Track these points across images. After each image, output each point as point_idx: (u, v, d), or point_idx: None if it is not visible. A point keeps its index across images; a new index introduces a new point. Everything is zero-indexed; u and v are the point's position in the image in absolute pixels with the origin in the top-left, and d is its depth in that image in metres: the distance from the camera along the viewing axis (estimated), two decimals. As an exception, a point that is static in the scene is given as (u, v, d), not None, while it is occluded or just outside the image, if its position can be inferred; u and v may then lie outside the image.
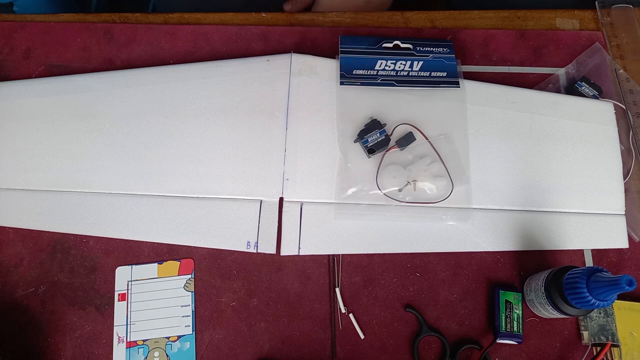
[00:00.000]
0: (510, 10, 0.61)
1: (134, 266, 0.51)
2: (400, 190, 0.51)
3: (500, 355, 0.48)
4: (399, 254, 0.51)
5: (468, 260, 0.51)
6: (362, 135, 0.52)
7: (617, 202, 0.52)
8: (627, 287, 0.37)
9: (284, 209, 0.52)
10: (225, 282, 0.51)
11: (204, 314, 0.50)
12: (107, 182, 0.53)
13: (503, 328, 0.48)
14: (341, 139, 0.53)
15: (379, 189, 0.51)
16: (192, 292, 0.51)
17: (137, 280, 0.51)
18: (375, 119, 0.53)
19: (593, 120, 0.54)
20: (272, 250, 0.51)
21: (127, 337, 0.49)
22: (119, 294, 0.51)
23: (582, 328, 0.48)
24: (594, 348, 0.47)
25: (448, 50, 0.56)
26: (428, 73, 0.55)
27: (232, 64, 0.56)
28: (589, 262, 0.51)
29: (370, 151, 0.52)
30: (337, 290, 0.50)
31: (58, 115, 0.55)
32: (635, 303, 0.49)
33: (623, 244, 0.51)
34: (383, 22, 0.61)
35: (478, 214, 0.51)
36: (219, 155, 0.53)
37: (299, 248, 0.51)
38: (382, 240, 0.51)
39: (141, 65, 0.58)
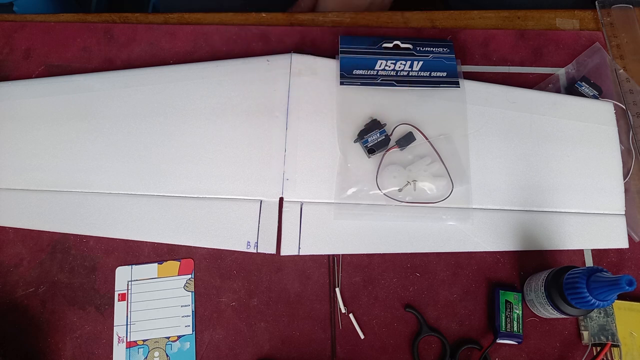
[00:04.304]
0: (510, 10, 0.61)
1: (134, 266, 0.51)
2: (400, 190, 0.51)
3: (500, 355, 0.48)
4: (399, 254, 0.51)
5: (468, 260, 0.51)
6: (362, 135, 0.52)
7: (617, 202, 0.52)
8: (627, 287, 0.37)
9: (284, 209, 0.52)
10: (225, 282, 0.51)
11: (204, 314, 0.50)
12: (107, 182, 0.53)
13: (503, 328, 0.48)
14: (341, 139, 0.53)
15: (379, 189, 0.51)
16: (192, 292, 0.51)
17: (137, 280, 0.51)
18: (375, 119, 0.53)
19: (593, 120, 0.54)
20: (272, 250, 0.51)
21: (127, 337, 0.49)
22: (119, 294, 0.51)
23: (582, 328, 0.48)
24: (594, 348, 0.47)
25: (448, 50, 0.56)
26: (428, 73, 0.55)
27: (232, 64, 0.56)
28: (589, 262, 0.51)
29: (370, 151, 0.52)
30: (337, 290, 0.50)
31: (58, 115, 0.55)
32: (635, 303, 0.49)
33: (623, 244, 0.51)
34: (383, 22, 0.61)
35: (478, 214, 0.51)
36: (219, 155, 0.53)
37: (299, 248, 0.51)
38: (382, 240, 0.51)
39: (141, 65, 0.58)
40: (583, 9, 0.61)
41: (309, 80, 0.55)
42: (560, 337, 0.49)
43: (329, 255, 0.51)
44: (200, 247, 0.52)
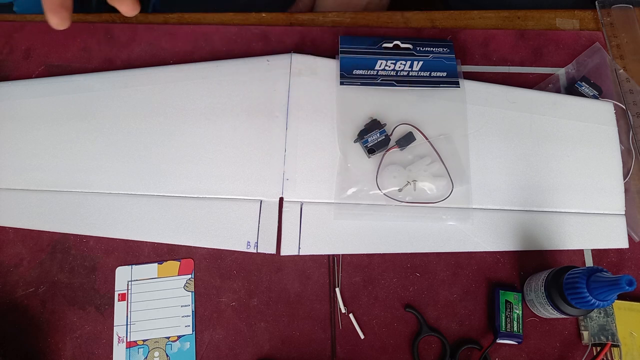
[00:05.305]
0: (510, 10, 0.61)
1: (134, 266, 0.51)
2: (400, 190, 0.51)
3: (500, 355, 0.48)
4: (399, 254, 0.51)
5: (468, 260, 0.51)
6: (362, 135, 0.52)
7: (617, 202, 0.52)
8: (627, 287, 0.37)
9: (284, 209, 0.52)
10: (225, 282, 0.51)
11: (204, 314, 0.50)
12: (107, 182, 0.53)
13: (503, 328, 0.48)
14: (341, 139, 0.53)
15: (379, 189, 0.51)
16: (192, 292, 0.51)
17: (137, 280, 0.51)
18: (375, 119, 0.53)
19: (593, 120, 0.54)
20: (272, 250, 0.51)
21: (127, 337, 0.49)
22: (119, 294, 0.51)
23: (582, 328, 0.48)
24: (594, 348, 0.47)
25: (448, 50, 0.56)
26: (428, 73, 0.55)
27: (232, 64, 0.56)
28: (589, 262, 0.51)
29: (370, 151, 0.52)
30: (337, 290, 0.50)
31: (58, 115, 0.55)
32: (635, 303, 0.49)
33: (623, 244, 0.51)
34: (383, 22, 0.61)
35: (478, 214, 0.51)
36: (219, 155, 0.53)
37: (299, 248, 0.51)
38: (382, 240, 0.51)
39: (141, 65, 0.58)
40: (583, 9, 0.61)
41: (309, 80, 0.55)
42: (560, 337, 0.49)
43: (329, 255, 0.51)
44: (200, 247, 0.52)
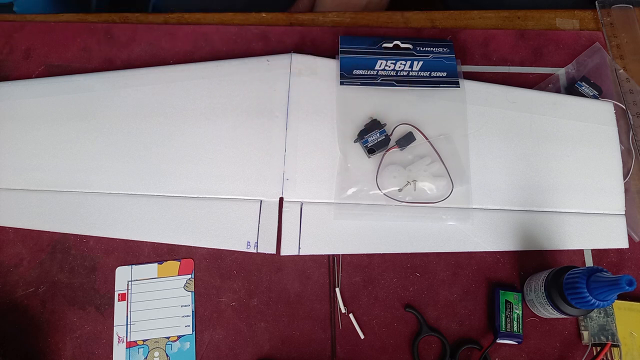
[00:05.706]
0: (510, 10, 0.61)
1: (134, 266, 0.51)
2: (400, 190, 0.51)
3: (500, 355, 0.48)
4: (399, 254, 0.51)
5: (468, 260, 0.51)
6: (362, 135, 0.52)
7: (617, 202, 0.52)
8: (627, 287, 0.37)
9: (284, 209, 0.52)
10: (225, 282, 0.51)
11: (204, 314, 0.50)
12: (107, 182, 0.53)
13: (503, 328, 0.48)
14: (341, 139, 0.53)
15: (379, 189, 0.51)
16: (192, 292, 0.51)
17: (137, 280, 0.51)
18: (375, 119, 0.53)
19: (593, 120, 0.54)
20: (272, 250, 0.51)
21: (127, 337, 0.49)
22: (119, 294, 0.51)
23: (582, 328, 0.48)
24: (594, 348, 0.47)
25: (448, 50, 0.56)
26: (428, 73, 0.55)
27: (232, 64, 0.56)
28: (589, 262, 0.51)
29: (370, 151, 0.52)
30: (337, 290, 0.50)
31: (58, 115, 0.55)
32: (635, 303, 0.49)
33: (623, 244, 0.51)
34: (383, 22, 0.61)
35: (478, 214, 0.51)
36: (219, 155, 0.53)
37: (299, 248, 0.51)
38: (382, 240, 0.51)
39: (141, 65, 0.58)
40: (583, 9, 0.61)
41: (309, 80, 0.55)
42: (560, 337, 0.49)
43: (329, 255, 0.51)
44: (200, 247, 0.52)
